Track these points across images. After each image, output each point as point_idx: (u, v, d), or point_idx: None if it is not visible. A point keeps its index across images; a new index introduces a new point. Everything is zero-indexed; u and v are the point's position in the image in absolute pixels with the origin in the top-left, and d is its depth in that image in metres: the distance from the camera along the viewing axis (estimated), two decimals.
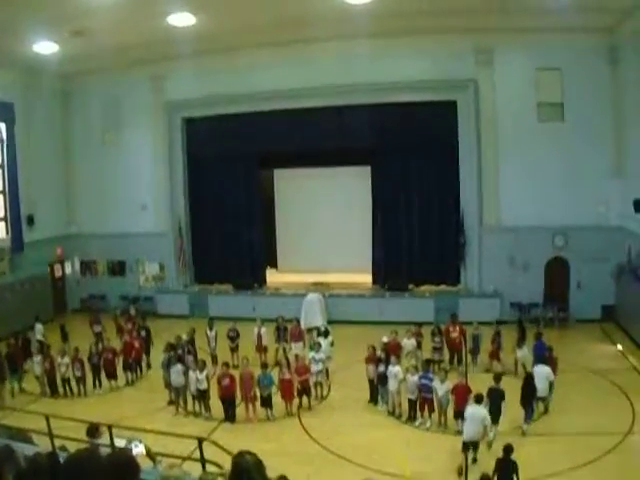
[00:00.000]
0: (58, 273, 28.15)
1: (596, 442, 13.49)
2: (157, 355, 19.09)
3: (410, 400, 15.55)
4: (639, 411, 15.27)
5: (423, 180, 25.69)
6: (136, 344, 19.64)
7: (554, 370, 15.84)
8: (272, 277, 29.02)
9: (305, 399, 16.86)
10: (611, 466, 12.51)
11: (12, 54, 22.65)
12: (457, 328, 19.33)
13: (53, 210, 27.57)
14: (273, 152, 26.82)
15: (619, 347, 20.80)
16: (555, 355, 16.90)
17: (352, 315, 24.44)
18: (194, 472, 6.88)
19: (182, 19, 20.73)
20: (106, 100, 27.53)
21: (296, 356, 18.63)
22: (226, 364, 16.74)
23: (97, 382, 18.76)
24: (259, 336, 20.09)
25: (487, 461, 11.94)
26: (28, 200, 25.42)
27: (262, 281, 28.07)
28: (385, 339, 18.05)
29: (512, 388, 14.56)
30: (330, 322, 23.31)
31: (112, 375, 18.82)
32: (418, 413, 15.46)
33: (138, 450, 7.66)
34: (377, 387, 16.62)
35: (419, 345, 19.04)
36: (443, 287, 25.67)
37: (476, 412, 12.98)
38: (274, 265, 30.40)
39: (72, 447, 7.49)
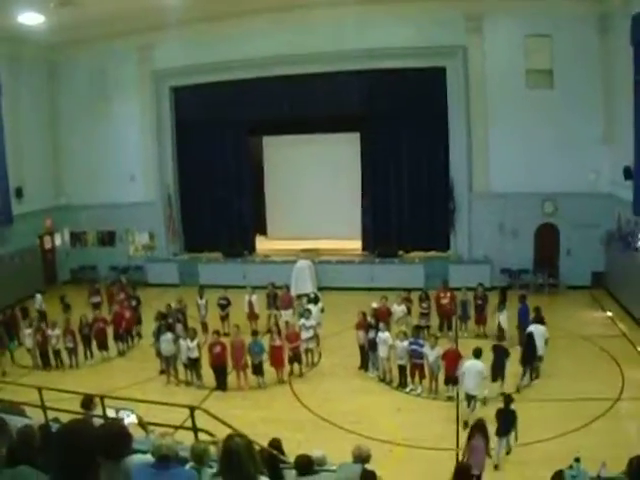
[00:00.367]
0: (48, 245, 27.97)
1: (586, 407, 13.64)
2: (148, 324, 19.13)
3: (400, 366, 15.67)
4: (628, 377, 15.42)
5: (412, 147, 25.56)
6: (127, 314, 19.64)
7: None
8: (262, 244, 28.99)
9: (296, 366, 16.96)
10: (601, 431, 12.63)
11: None
12: (448, 294, 19.47)
13: (42, 182, 27.28)
14: (262, 119, 26.63)
15: (609, 313, 20.94)
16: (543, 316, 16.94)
17: (342, 281, 24.50)
18: (186, 441, 6.94)
19: None
20: (93, 70, 27.09)
21: (286, 323, 18.73)
22: (217, 332, 16.85)
23: (88, 353, 18.80)
24: (250, 303, 20.12)
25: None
26: (16, 172, 25.08)
27: (252, 249, 28.06)
28: (374, 305, 18.17)
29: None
30: (320, 289, 23.42)
31: (103, 346, 18.82)
32: (409, 379, 15.59)
33: (130, 420, 7.71)
34: (367, 353, 16.69)
35: (409, 311, 19.11)
36: (433, 253, 25.72)
37: (473, 366, 13.48)
38: (263, 232, 30.34)
39: (65, 419, 7.52)
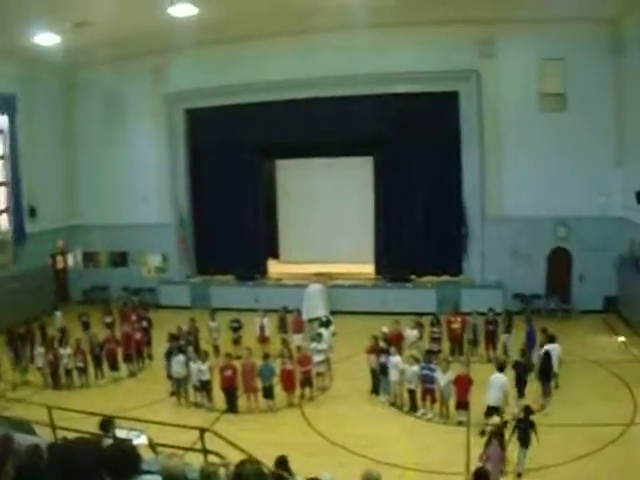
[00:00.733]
0: (60, 264, 28.16)
1: (598, 433, 13.51)
2: (159, 346, 19.14)
3: (410, 390, 15.57)
4: None
5: (425, 170, 25.54)
6: (137, 335, 19.67)
7: None
8: (274, 268, 29.04)
9: (307, 390, 16.86)
10: (613, 457, 12.50)
11: (14, 46, 22.53)
12: (458, 319, 19.38)
13: (55, 202, 27.55)
14: (275, 143, 26.66)
15: (621, 338, 20.74)
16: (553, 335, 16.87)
17: (354, 306, 24.42)
18: (196, 463, 6.91)
19: (184, 10, 20.58)
20: (108, 91, 27.45)
21: (298, 347, 18.66)
22: (228, 355, 16.84)
23: (99, 373, 18.80)
24: (262, 327, 20.14)
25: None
26: (30, 192, 25.38)
27: (264, 272, 28.08)
28: (385, 329, 18.08)
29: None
30: (332, 313, 23.28)
31: (114, 366, 18.85)
32: (420, 403, 15.47)
33: (140, 441, 7.68)
34: (379, 378, 16.60)
35: (421, 336, 19.06)
36: (445, 278, 25.65)
37: (497, 379, 13.82)
38: (276, 256, 30.41)
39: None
